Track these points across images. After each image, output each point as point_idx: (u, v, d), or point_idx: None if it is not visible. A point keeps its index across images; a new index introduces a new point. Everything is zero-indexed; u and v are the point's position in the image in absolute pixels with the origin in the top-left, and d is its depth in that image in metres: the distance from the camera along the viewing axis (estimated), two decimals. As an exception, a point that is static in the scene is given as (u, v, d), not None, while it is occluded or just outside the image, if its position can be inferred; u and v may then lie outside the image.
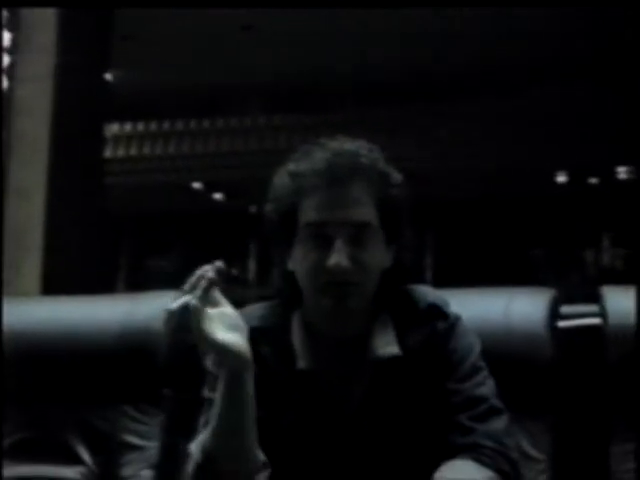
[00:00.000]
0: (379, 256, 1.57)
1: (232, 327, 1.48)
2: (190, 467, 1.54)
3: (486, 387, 1.57)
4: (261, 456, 1.54)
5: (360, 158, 1.57)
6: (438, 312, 1.62)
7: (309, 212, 1.55)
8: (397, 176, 1.61)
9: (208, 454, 1.51)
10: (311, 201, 1.55)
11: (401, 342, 1.59)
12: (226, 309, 1.49)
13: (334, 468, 1.56)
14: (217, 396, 1.51)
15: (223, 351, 1.46)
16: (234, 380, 1.48)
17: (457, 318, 1.63)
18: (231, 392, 1.49)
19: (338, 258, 1.51)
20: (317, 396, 1.58)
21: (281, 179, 1.60)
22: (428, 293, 1.65)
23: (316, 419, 1.58)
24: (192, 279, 1.47)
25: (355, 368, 1.59)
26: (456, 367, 1.57)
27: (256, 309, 1.67)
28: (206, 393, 1.61)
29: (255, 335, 1.56)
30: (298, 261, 1.57)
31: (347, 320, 1.57)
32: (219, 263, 1.48)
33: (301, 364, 1.59)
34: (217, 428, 1.50)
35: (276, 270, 1.65)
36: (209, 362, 1.62)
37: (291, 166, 1.59)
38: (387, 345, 1.59)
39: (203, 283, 1.46)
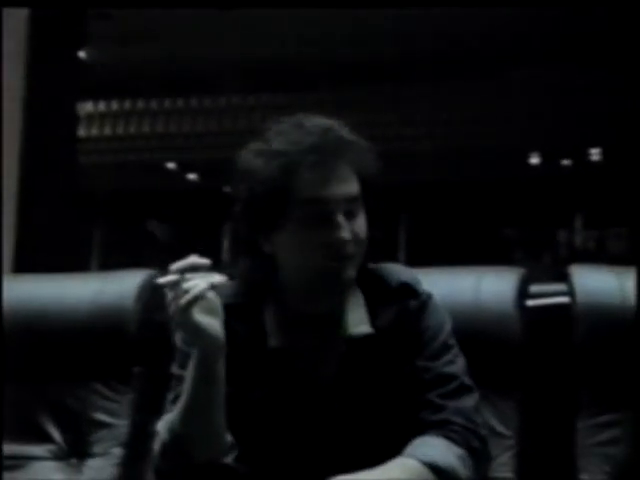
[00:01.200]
0: (365, 231, 1.58)
1: (209, 310, 1.48)
2: (157, 446, 1.55)
3: (456, 365, 1.58)
4: (229, 438, 1.54)
5: (342, 134, 1.57)
6: (410, 290, 1.62)
7: (307, 190, 1.52)
8: (374, 151, 1.61)
9: (175, 434, 1.51)
10: (306, 179, 1.52)
11: (373, 320, 1.60)
12: (207, 292, 1.48)
13: (305, 446, 1.57)
14: (187, 376, 1.51)
15: (198, 334, 1.47)
16: (206, 362, 1.49)
17: (429, 296, 1.64)
18: (201, 374, 1.49)
19: (343, 232, 1.52)
20: (289, 374, 1.59)
21: (259, 160, 1.55)
22: (400, 271, 1.65)
23: (288, 397, 1.58)
24: (181, 264, 1.47)
25: (327, 346, 1.59)
26: (427, 345, 1.58)
27: (229, 286, 1.65)
28: (175, 370, 1.61)
29: (228, 312, 1.56)
30: (288, 242, 1.55)
31: (340, 292, 1.58)
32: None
33: (273, 342, 1.59)
34: (185, 409, 1.51)
35: (249, 257, 1.63)
36: (179, 339, 1.62)
37: (274, 145, 1.55)
38: (359, 323, 1.59)
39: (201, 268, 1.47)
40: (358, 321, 1.59)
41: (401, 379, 1.57)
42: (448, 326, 1.62)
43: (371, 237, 1.61)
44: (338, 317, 1.60)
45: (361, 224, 1.56)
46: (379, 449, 1.49)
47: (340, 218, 1.52)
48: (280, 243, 1.56)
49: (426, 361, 1.57)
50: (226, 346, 1.51)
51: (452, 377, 1.56)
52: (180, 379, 1.56)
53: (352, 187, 1.55)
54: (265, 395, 1.58)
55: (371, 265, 1.65)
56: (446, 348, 1.59)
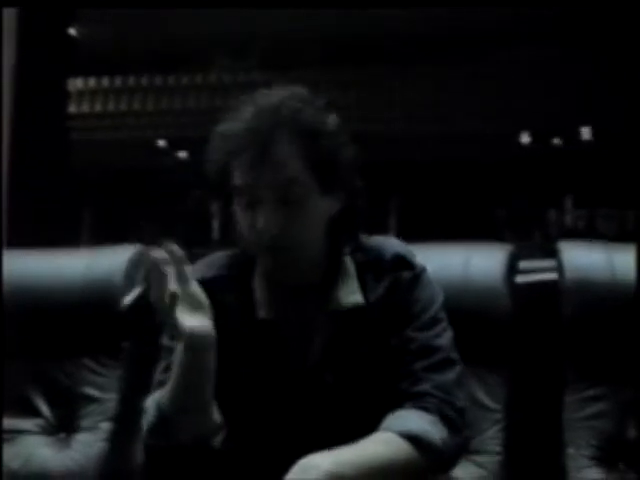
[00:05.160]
0: (315, 211, 1.55)
1: (196, 306, 1.47)
2: (144, 424, 1.54)
3: (443, 339, 1.58)
4: (218, 418, 1.55)
5: (282, 111, 1.52)
6: (404, 262, 1.61)
7: (236, 175, 1.52)
8: (330, 122, 1.56)
9: (162, 414, 1.51)
10: (237, 163, 1.52)
11: (364, 291, 1.60)
12: (191, 287, 1.48)
13: (292, 417, 1.57)
14: (176, 361, 1.50)
15: (184, 334, 1.46)
16: (196, 357, 1.48)
17: (422, 269, 1.63)
18: (191, 365, 1.49)
19: (264, 224, 1.50)
20: (278, 345, 1.59)
21: (213, 139, 1.58)
22: (394, 244, 1.65)
23: (276, 368, 1.58)
24: (159, 255, 1.45)
25: (317, 317, 1.59)
26: (417, 316, 1.58)
27: (219, 257, 1.67)
28: (165, 341, 1.61)
29: (217, 284, 1.57)
30: (238, 220, 1.56)
31: (290, 275, 1.57)
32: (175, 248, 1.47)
33: (261, 313, 1.59)
34: (173, 391, 1.51)
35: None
36: (166, 338, 1.63)
37: (220, 126, 1.56)
38: (350, 294, 1.59)
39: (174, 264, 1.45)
40: (349, 292, 1.59)
41: (388, 350, 1.57)
42: (439, 300, 1.62)
43: (346, 207, 1.58)
44: (327, 289, 1.60)
45: (304, 206, 1.53)
46: (365, 420, 1.49)
47: (265, 208, 1.51)
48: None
49: (414, 332, 1.57)
50: (215, 316, 1.51)
51: (437, 349, 1.56)
52: (170, 350, 1.56)
53: (285, 170, 1.50)
54: (253, 366, 1.58)
55: (365, 238, 1.65)
56: (435, 321, 1.59)
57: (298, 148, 1.51)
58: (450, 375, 1.55)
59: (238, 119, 1.54)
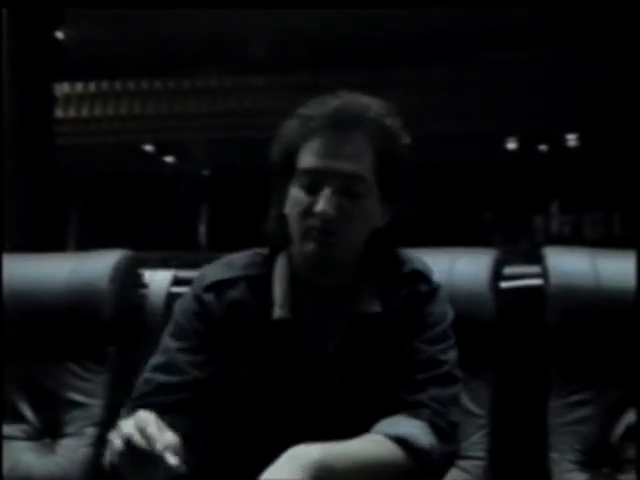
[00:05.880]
0: (370, 212, 1.58)
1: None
2: (114, 459, 1.41)
3: (449, 355, 1.60)
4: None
5: (368, 111, 1.58)
6: (421, 277, 1.64)
7: (306, 157, 1.55)
8: (404, 137, 1.62)
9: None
10: (310, 146, 1.55)
11: (382, 300, 1.62)
12: (168, 437, 1.38)
13: (298, 413, 1.58)
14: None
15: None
16: None
17: (439, 286, 1.66)
18: None
19: (325, 206, 1.52)
20: (292, 345, 1.60)
21: (290, 122, 1.61)
22: (414, 260, 1.67)
23: (288, 368, 1.59)
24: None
25: (333, 321, 1.61)
26: (427, 329, 1.60)
27: (238, 258, 1.68)
28: (166, 338, 1.63)
29: (235, 284, 1.60)
30: (290, 204, 1.58)
31: (327, 268, 1.58)
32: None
33: (278, 313, 1.61)
34: None
35: (272, 212, 1.65)
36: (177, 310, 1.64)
37: (301, 110, 1.60)
38: (370, 302, 1.61)
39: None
40: (368, 300, 1.61)
41: (396, 358, 1.59)
42: (450, 318, 1.64)
43: (391, 224, 1.62)
44: (348, 295, 1.61)
45: (362, 205, 1.56)
46: (364, 423, 1.51)
47: (328, 192, 1.53)
48: (287, 203, 1.60)
49: (422, 344, 1.59)
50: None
51: (442, 364, 1.58)
52: (166, 352, 1.59)
53: (356, 165, 1.55)
54: (267, 364, 1.60)
55: (387, 251, 1.66)
56: (443, 337, 1.61)
57: (373, 150, 1.56)
58: (449, 390, 1.57)
59: (320, 107, 1.58)
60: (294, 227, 1.58)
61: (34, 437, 2.09)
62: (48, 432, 2.08)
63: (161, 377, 1.58)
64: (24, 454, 2.06)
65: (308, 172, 1.55)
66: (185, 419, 1.53)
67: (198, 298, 1.62)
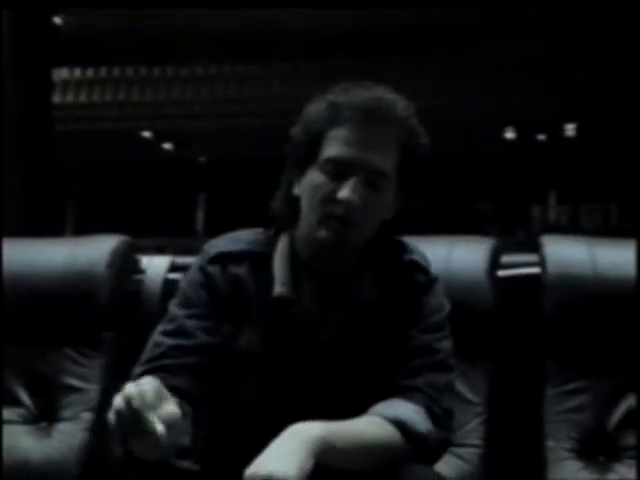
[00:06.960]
0: (386, 207, 1.60)
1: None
2: (112, 417, 1.40)
3: (444, 344, 1.62)
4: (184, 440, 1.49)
5: (396, 108, 1.59)
6: (419, 268, 1.66)
7: (334, 145, 1.56)
8: (424, 137, 1.64)
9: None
10: (339, 134, 1.56)
11: (381, 287, 1.63)
12: (167, 408, 1.37)
13: (291, 391, 1.59)
14: None
15: None
16: None
17: (436, 278, 1.68)
18: None
19: (351, 193, 1.53)
20: (289, 324, 1.61)
21: (317, 105, 1.61)
22: (414, 251, 1.69)
23: (284, 346, 1.60)
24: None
25: (331, 305, 1.62)
26: (423, 319, 1.62)
27: (244, 234, 1.70)
28: (173, 308, 1.63)
29: (237, 258, 1.62)
30: (309, 187, 1.59)
31: (339, 255, 1.60)
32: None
33: (278, 290, 1.61)
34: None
35: (281, 192, 1.66)
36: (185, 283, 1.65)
37: (331, 96, 1.61)
38: (368, 290, 1.62)
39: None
40: (367, 287, 1.62)
41: (390, 345, 1.60)
42: (446, 310, 1.66)
43: (397, 217, 1.64)
44: (347, 280, 1.63)
45: (381, 200, 1.58)
46: (356, 405, 1.52)
47: (355, 181, 1.54)
48: (302, 186, 1.60)
49: (417, 332, 1.60)
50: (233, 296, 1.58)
51: (436, 351, 1.60)
52: (174, 319, 1.60)
53: (381, 160, 1.56)
54: (262, 338, 1.61)
55: (390, 241, 1.68)
56: (439, 327, 1.63)
57: (398, 148, 1.58)
58: (443, 377, 1.59)
59: (351, 96, 1.59)
60: (311, 211, 1.58)
61: (31, 421, 2.09)
62: (44, 416, 2.08)
63: (172, 341, 1.59)
64: (21, 438, 2.06)
65: (335, 160, 1.56)
66: (194, 383, 1.55)
67: (203, 270, 1.64)
